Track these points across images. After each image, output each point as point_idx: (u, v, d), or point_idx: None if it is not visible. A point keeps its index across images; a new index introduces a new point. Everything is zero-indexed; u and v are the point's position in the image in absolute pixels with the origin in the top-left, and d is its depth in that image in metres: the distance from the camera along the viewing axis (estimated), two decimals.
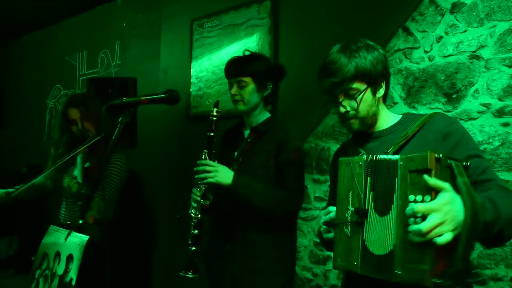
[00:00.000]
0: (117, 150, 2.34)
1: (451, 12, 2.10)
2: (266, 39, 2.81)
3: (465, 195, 1.01)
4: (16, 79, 5.54)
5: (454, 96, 2.07)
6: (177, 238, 2.62)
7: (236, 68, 1.87)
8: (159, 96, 1.45)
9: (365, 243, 1.14)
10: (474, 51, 2.02)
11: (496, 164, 1.93)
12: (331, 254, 2.46)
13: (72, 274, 1.31)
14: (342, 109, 1.34)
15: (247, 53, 1.95)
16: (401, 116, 1.42)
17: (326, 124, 2.54)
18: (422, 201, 1.01)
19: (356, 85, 1.31)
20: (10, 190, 2.33)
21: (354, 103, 1.32)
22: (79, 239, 1.35)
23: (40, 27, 5.13)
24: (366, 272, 1.13)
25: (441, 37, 2.12)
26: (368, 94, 1.33)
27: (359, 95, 1.32)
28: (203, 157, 1.79)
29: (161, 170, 3.45)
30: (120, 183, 2.30)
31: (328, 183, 2.47)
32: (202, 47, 3.21)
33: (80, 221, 1.39)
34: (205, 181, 1.73)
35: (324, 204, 2.49)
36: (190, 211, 1.75)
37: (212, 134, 1.80)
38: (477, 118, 2.00)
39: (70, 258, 1.35)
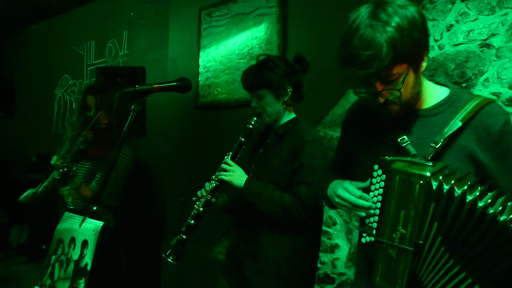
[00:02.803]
0: (126, 141, 2.41)
1: (462, 0, 2.08)
2: (274, 28, 2.80)
3: None
4: (24, 69, 5.57)
5: (464, 85, 2.06)
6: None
7: (250, 82, 1.82)
8: (171, 84, 1.46)
9: (416, 272, 1.01)
10: (485, 40, 2.00)
11: None
12: (339, 242, 2.50)
13: (88, 259, 1.34)
14: (381, 100, 1.09)
15: (262, 57, 1.86)
16: (447, 90, 1.17)
17: (335, 113, 2.54)
18: None
19: (396, 69, 1.03)
20: (34, 190, 2.47)
21: (396, 90, 1.06)
22: (93, 225, 1.38)
23: (47, 17, 5.15)
24: None
25: (451, 26, 2.11)
26: (411, 75, 1.07)
27: (400, 79, 1.05)
28: (226, 157, 1.80)
29: (169, 158, 3.48)
30: (124, 170, 2.43)
31: None
32: (210, 37, 3.21)
33: (94, 208, 1.41)
34: (218, 177, 1.76)
35: None
36: (196, 203, 1.76)
37: (243, 139, 1.80)
38: None
39: (85, 243, 1.38)
